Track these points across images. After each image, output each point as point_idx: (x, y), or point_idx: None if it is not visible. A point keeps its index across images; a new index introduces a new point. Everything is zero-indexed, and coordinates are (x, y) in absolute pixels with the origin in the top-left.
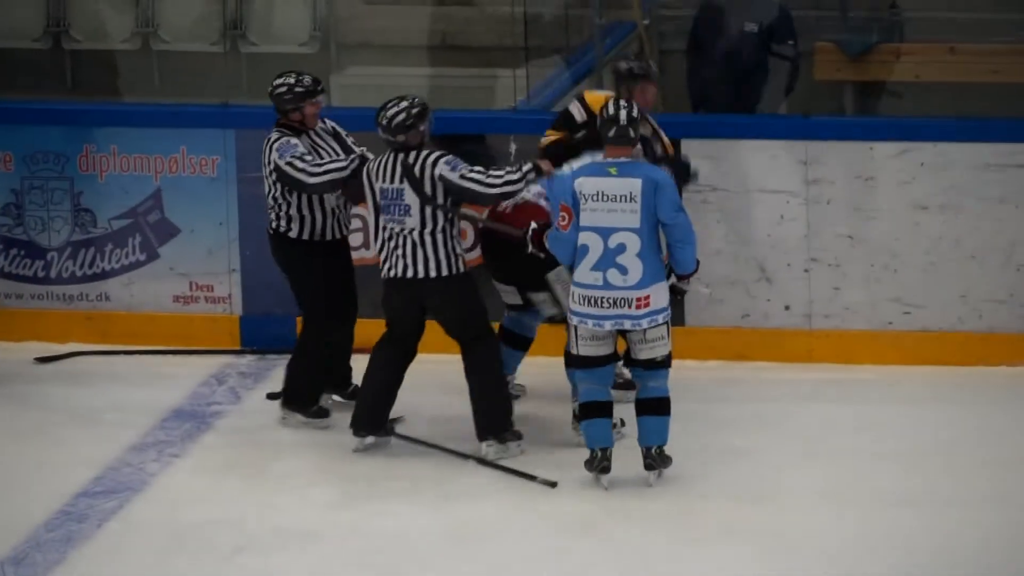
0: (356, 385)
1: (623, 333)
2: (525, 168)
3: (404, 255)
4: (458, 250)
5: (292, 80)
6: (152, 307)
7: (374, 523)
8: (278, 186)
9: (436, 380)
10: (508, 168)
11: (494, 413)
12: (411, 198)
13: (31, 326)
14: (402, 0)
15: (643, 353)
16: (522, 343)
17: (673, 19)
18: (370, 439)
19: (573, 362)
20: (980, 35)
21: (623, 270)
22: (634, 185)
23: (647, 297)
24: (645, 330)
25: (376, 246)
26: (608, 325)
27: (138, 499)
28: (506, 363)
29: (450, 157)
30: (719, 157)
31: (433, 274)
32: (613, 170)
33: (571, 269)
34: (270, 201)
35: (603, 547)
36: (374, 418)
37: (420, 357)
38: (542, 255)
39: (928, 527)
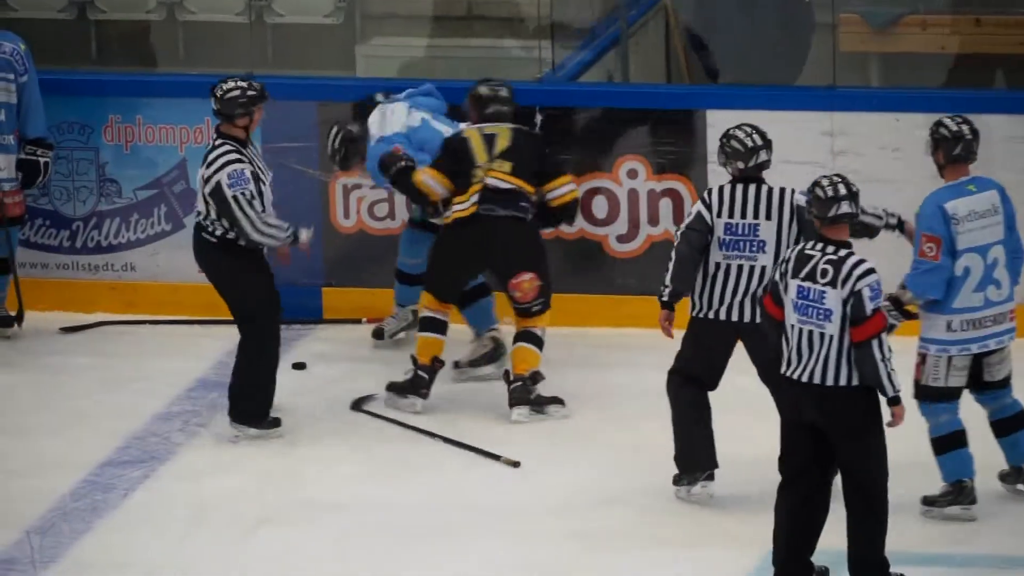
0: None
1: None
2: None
3: None
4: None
5: (244, 84)
6: (177, 277)
7: (398, 497)
8: (210, 203)
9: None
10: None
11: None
12: None
13: (57, 296)
14: None
15: (1001, 372)
16: (482, 289)
17: None
18: None
19: (937, 395)
20: (1006, 6)
21: (998, 284)
22: (994, 197)
23: (1014, 309)
24: (1006, 346)
25: None
26: (992, 344)
27: (163, 469)
28: (482, 319)
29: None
30: None
31: None
32: (971, 187)
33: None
34: (200, 206)
35: None
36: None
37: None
38: None
39: None
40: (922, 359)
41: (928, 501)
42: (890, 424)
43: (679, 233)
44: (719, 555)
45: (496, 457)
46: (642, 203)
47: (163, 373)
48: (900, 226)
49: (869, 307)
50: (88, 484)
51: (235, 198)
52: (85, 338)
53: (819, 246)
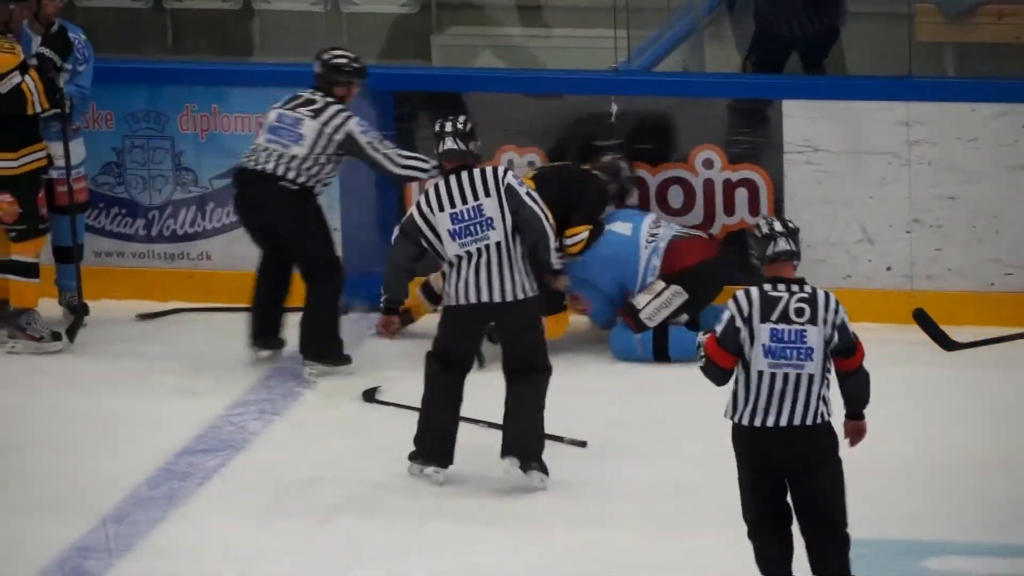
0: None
1: None
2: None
3: None
4: None
5: (351, 55)
6: (253, 266)
7: (471, 484)
8: (329, 150)
9: None
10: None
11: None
12: None
13: (133, 284)
14: None
15: None
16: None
17: None
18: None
19: None
20: None
21: None
22: None
23: None
24: None
25: None
26: None
27: (239, 457)
28: None
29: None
30: (821, 118)
31: None
32: None
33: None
34: (302, 154)
35: None
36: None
37: None
38: None
39: None
40: None
41: None
42: (854, 441)
43: None
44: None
45: (560, 439)
46: (717, 193)
47: (239, 361)
48: None
49: (851, 334)
50: (164, 472)
51: (369, 143)
52: (160, 326)
53: (780, 287)
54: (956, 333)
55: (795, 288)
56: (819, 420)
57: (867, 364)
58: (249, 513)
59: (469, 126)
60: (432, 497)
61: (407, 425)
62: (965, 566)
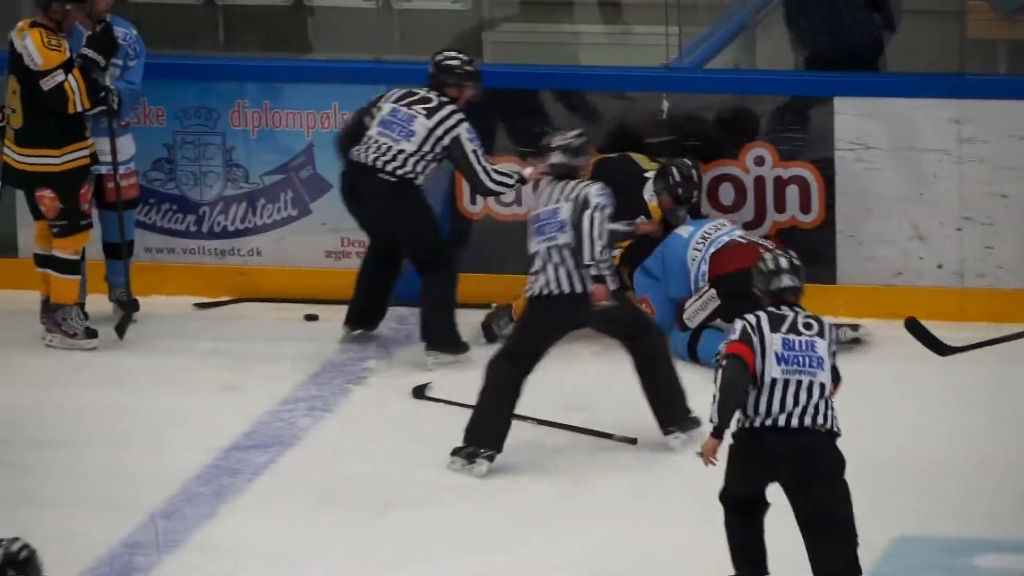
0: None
1: None
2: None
3: None
4: None
5: (464, 58)
6: (304, 263)
7: (521, 480)
8: (436, 150)
9: None
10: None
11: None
12: None
13: (184, 280)
14: None
15: None
16: None
17: None
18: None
19: None
20: None
21: None
22: None
23: None
24: None
25: None
26: None
27: (289, 454)
28: None
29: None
30: (872, 115)
31: None
32: None
33: None
34: (410, 150)
35: None
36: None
37: None
38: None
39: None
40: None
41: None
42: None
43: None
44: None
45: (610, 436)
46: (768, 190)
47: (289, 357)
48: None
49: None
50: (213, 468)
51: (474, 152)
52: (210, 322)
53: (783, 308)
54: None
55: (798, 309)
56: (828, 426)
57: (916, 361)
58: (299, 509)
59: (579, 142)
60: (481, 493)
61: (457, 422)
62: (1016, 563)
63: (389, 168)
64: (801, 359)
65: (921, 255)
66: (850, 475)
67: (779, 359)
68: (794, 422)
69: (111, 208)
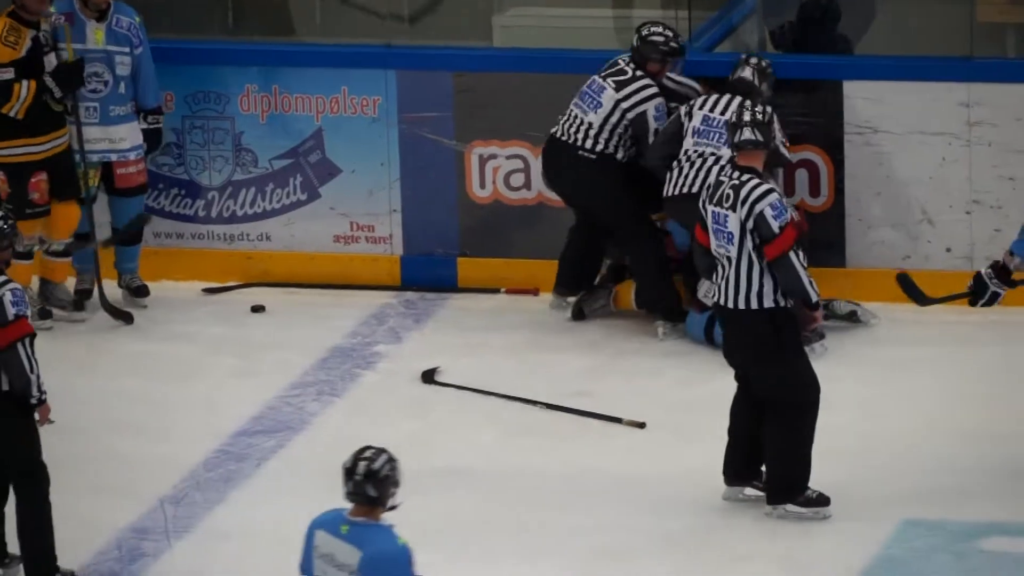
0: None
1: None
2: None
3: None
4: None
5: (670, 34)
6: (312, 247)
7: (534, 465)
8: (621, 124)
9: None
10: None
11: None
12: None
13: (192, 265)
14: None
15: None
16: None
17: None
18: None
19: None
20: None
21: None
22: None
23: None
24: None
25: None
26: None
27: (297, 439)
28: None
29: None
30: (880, 99)
31: None
32: None
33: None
34: (596, 122)
35: None
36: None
37: None
38: None
39: None
40: None
41: None
42: (809, 330)
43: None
44: (853, 527)
45: (618, 420)
46: (778, 174)
47: (297, 342)
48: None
49: (775, 225)
50: (221, 454)
51: (656, 130)
52: (219, 308)
53: (728, 172)
54: (1014, 315)
55: (735, 175)
56: (741, 307)
57: (931, 346)
58: (307, 494)
59: (766, 115)
60: (490, 477)
61: (466, 406)
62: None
63: (587, 145)
64: (719, 234)
65: (930, 238)
66: (858, 458)
67: (712, 233)
68: (722, 299)
69: (120, 195)
